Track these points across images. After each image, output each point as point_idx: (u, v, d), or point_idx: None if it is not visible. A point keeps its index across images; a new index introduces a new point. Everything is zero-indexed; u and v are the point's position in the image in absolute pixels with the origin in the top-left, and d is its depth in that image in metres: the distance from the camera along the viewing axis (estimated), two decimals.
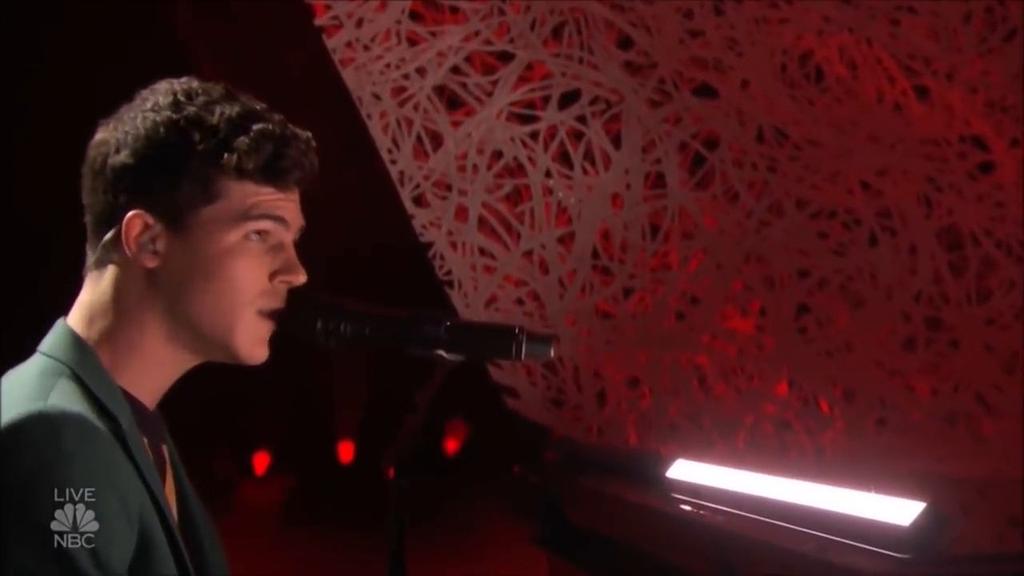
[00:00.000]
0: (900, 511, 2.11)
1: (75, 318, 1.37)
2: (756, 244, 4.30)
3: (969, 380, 4.15)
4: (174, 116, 1.35)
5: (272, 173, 1.37)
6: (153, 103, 1.37)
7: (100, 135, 1.38)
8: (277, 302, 1.38)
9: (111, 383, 1.31)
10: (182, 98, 1.37)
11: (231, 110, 1.36)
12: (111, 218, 1.35)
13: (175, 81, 1.40)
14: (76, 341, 1.33)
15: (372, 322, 1.43)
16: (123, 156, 1.34)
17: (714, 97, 4.32)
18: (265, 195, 1.37)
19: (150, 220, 1.34)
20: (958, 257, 4.27)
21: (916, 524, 2.06)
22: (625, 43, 4.36)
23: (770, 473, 2.56)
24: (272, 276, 1.38)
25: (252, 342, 1.38)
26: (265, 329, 1.39)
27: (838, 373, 4.25)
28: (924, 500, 2.09)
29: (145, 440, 1.33)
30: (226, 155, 1.34)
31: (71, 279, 1.42)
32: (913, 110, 4.33)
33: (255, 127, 1.36)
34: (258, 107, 1.39)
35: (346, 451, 8.93)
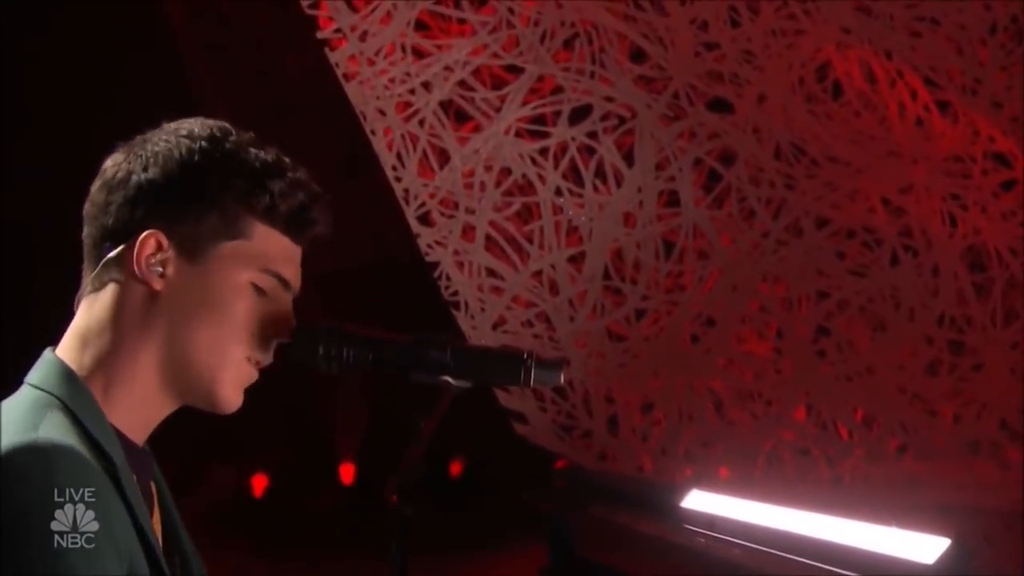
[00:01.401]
0: (923, 547, 2.09)
1: (66, 347, 1.37)
2: (773, 264, 4.29)
3: (994, 406, 4.13)
4: (211, 147, 1.39)
5: (296, 224, 1.42)
6: (189, 131, 1.40)
7: (122, 154, 1.40)
8: (268, 356, 1.41)
9: (103, 418, 1.32)
10: (218, 133, 1.40)
11: (266, 155, 1.41)
12: (122, 234, 1.36)
13: (208, 120, 1.44)
14: (67, 374, 1.33)
15: (375, 347, 1.43)
16: (152, 173, 1.36)
17: (730, 112, 4.32)
18: (283, 250, 1.41)
19: (164, 242, 1.36)
20: (982, 278, 4.26)
21: (941, 563, 2.04)
22: (638, 56, 4.37)
23: (788, 504, 2.54)
24: (266, 327, 1.40)
25: (235, 386, 1.40)
26: (247, 377, 1.41)
27: (858, 398, 4.24)
28: (948, 536, 2.07)
29: (134, 477, 1.33)
30: (260, 196, 1.38)
31: (60, 306, 1.42)
32: (936, 125, 4.32)
33: (289, 174, 1.41)
34: (288, 159, 1.44)
35: (347, 473, 8.92)
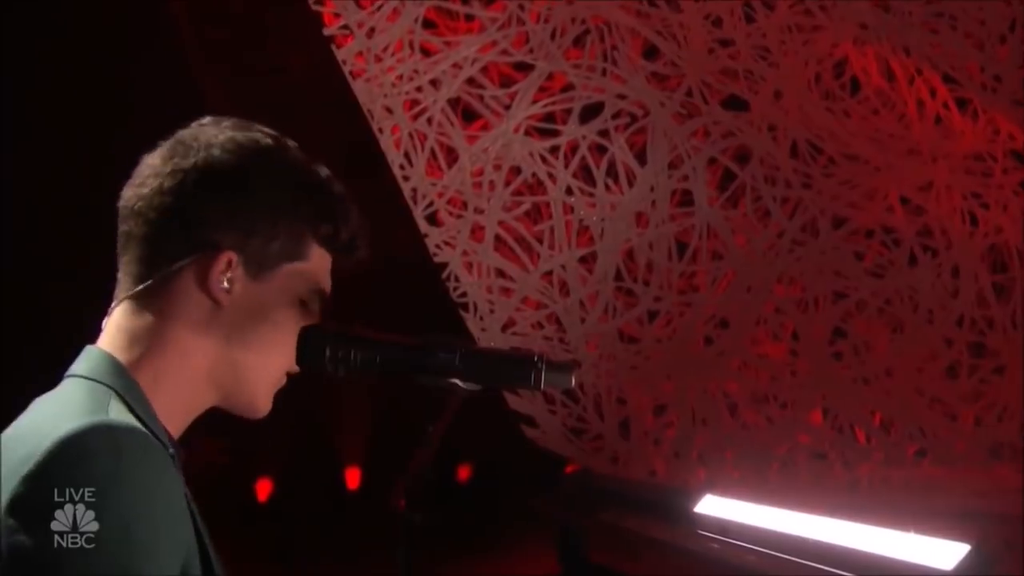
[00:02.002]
0: (942, 553, 2.09)
1: (111, 344, 1.38)
2: (789, 265, 4.29)
3: (1015, 409, 4.13)
4: (275, 159, 1.41)
5: (343, 248, 1.46)
6: (246, 138, 1.41)
7: (175, 154, 1.39)
8: (296, 367, 1.46)
9: (152, 411, 1.35)
10: (274, 144, 1.42)
11: (323, 171, 1.44)
12: (188, 247, 1.38)
13: (256, 125, 1.44)
14: (118, 367, 1.36)
15: (383, 350, 1.44)
16: (215, 192, 1.38)
17: (745, 109, 4.32)
18: (328, 262, 1.46)
19: (235, 261, 1.39)
20: (1003, 278, 4.25)
21: (960, 568, 2.04)
22: (651, 53, 4.37)
23: (804, 509, 2.54)
24: None
25: (270, 395, 1.45)
26: (278, 386, 1.46)
27: (876, 401, 4.24)
28: (968, 541, 2.07)
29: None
30: (326, 223, 1.43)
31: (69, 310, 1.43)
32: (955, 122, 4.32)
33: (349, 200, 1.45)
34: (332, 175, 1.46)
35: (352, 478, 8.94)
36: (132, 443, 1.23)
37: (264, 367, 1.42)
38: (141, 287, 1.39)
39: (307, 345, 1.43)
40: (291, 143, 1.45)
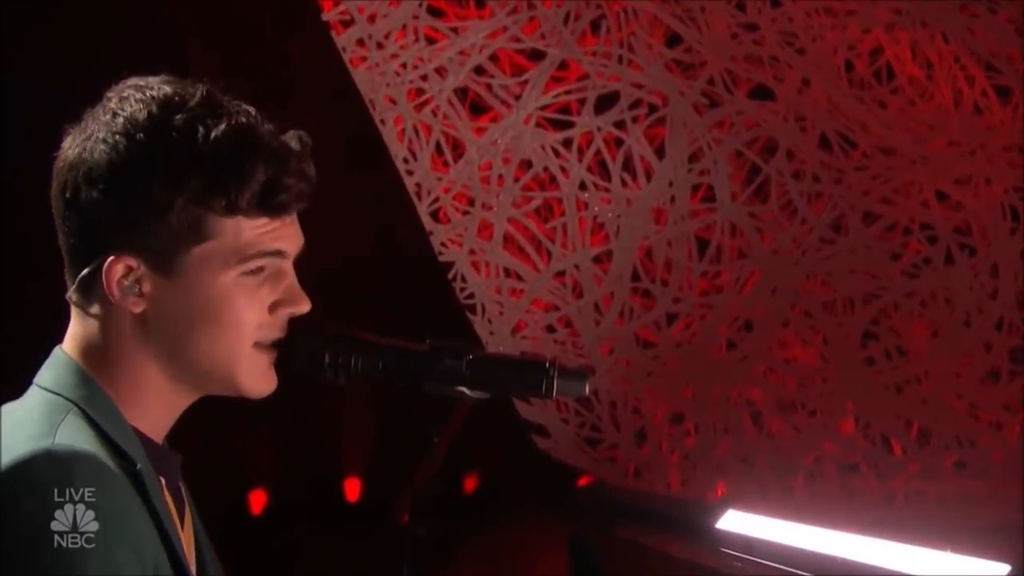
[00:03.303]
0: (982, 574, 2.08)
1: (73, 349, 1.38)
2: (818, 264, 4.28)
3: None
4: (152, 143, 1.34)
5: (268, 207, 1.37)
6: (125, 121, 1.34)
7: (69, 153, 1.36)
8: (277, 332, 1.40)
9: (122, 420, 1.33)
10: (159, 114, 1.35)
11: (216, 129, 1.34)
12: (87, 256, 1.35)
13: (146, 86, 1.38)
14: (81, 375, 1.35)
15: (385, 355, 1.44)
16: (98, 191, 1.33)
17: (771, 99, 4.31)
18: (261, 229, 1.37)
19: (133, 263, 1.34)
20: None
21: None
22: (671, 39, 4.37)
23: (833, 526, 2.54)
24: (272, 308, 1.39)
25: (256, 376, 1.40)
26: (267, 360, 1.41)
27: (910, 409, 4.22)
28: (1008, 562, 2.06)
29: (162, 480, 1.34)
30: (217, 195, 1.34)
31: (62, 298, 1.42)
32: (995, 113, 4.30)
33: (246, 156, 1.35)
34: (245, 118, 1.37)
35: (352, 489, 8.93)
36: (76, 470, 1.22)
37: (222, 356, 1.37)
38: (73, 295, 1.37)
39: (304, 351, 1.43)
40: (194, 92, 1.37)
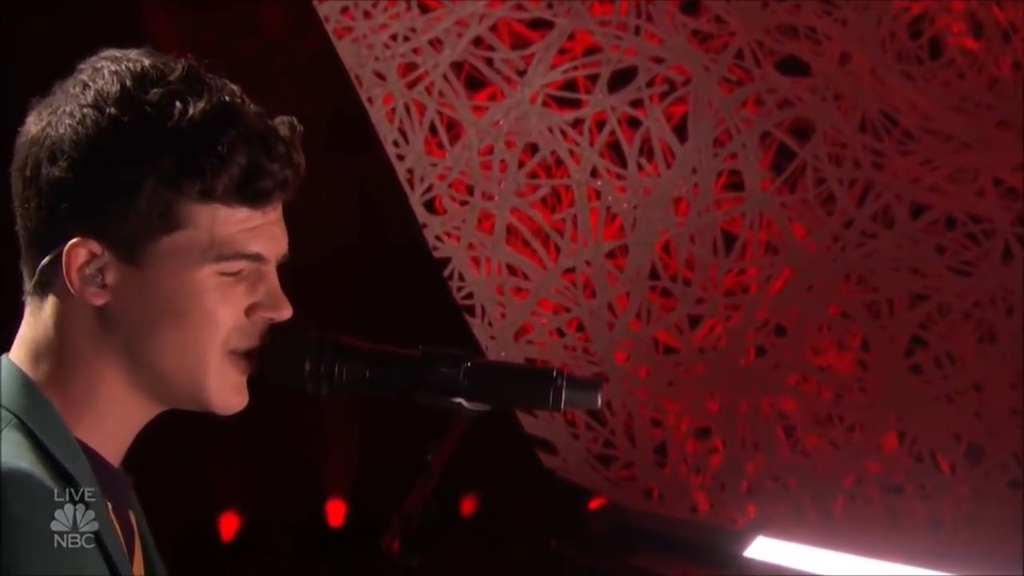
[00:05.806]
0: None
1: (19, 355, 1.38)
2: (857, 261, 4.28)
3: None
4: (123, 117, 1.35)
5: (248, 195, 1.38)
6: (96, 94, 1.36)
7: (32, 128, 1.38)
8: (253, 340, 1.40)
9: (68, 436, 1.33)
10: (132, 88, 1.36)
11: (195, 107, 1.35)
12: (48, 240, 1.36)
13: (123, 58, 1.39)
14: (24, 383, 1.35)
15: (374, 363, 1.45)
16: (60, 168, 1.34)
17: (806, 75, 4.32)
18: (240, 224, 1.38)
19: (97, 249, 1.35)
20: None
21: None
22: (693, 7, 4.37)
23: (874, 553, 2.55)
24: (249, 311, 1.40)
25: (226, 389, 1.41)
26: (241, 373, 1.42)
27: (961, 423, 4.22)
28: None
29: (109, 505, 1.34)
30: (190, 177, 1.35)
31: (13, 300, 1.43)
32: None
33: (225, 136, 1.35)
34: (227, 97, 1.39)
35: (336, 513, 8.94)
36: (15, 491, 1.23)
37: (190, 361, 1.38)
38: (30, 288, 1.39)
39: (282, 357, 1.43)
40: (175, 67, 1.38)
